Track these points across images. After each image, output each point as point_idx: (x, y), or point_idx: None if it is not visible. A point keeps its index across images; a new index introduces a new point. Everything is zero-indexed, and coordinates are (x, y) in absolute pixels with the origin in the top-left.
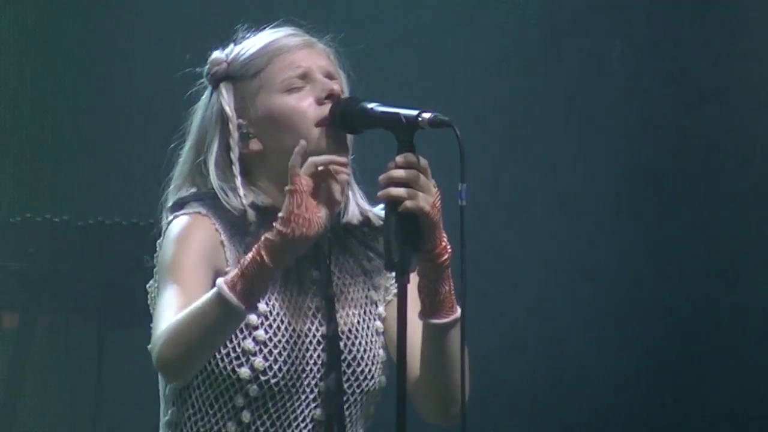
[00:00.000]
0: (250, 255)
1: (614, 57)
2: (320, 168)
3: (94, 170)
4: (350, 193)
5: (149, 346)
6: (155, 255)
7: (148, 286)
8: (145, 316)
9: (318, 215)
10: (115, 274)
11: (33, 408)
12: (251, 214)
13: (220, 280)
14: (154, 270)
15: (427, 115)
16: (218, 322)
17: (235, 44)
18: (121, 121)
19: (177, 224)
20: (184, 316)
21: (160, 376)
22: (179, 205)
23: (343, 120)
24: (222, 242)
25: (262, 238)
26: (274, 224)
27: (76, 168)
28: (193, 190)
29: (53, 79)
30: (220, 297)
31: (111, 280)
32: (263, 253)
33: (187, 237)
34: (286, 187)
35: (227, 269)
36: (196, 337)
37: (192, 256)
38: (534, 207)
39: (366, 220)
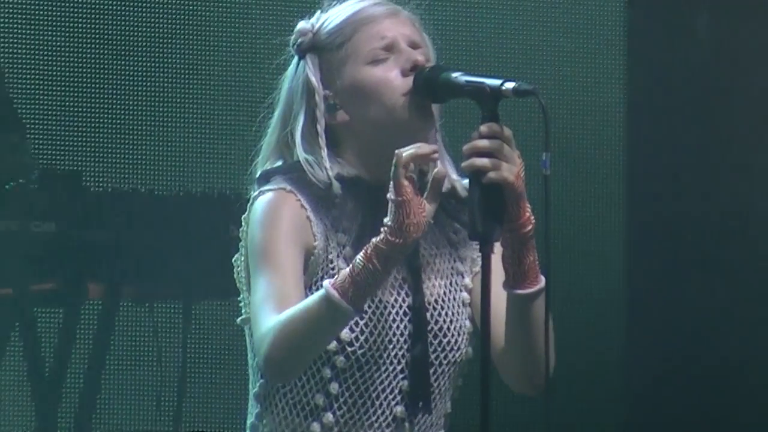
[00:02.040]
0: (360, 261)
1: (699, 27)
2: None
3: (179, 140)
4: (439, 161)
5: (241, 320)
6: (241, 229)
7: (234, 259)
8: (230, 288)
9: (424, 215)
10: (201, 244)
11: (118, 379)
12: (337, 186)
13: (328, 285)
14: (240, 244)
15: (510, 84)
16: (329, 326)
17: (320, 13)
18: (207, 91)
19: (263, 203)
20: (291, 319)
21: (249, 348)
22: (265, 178)
23: (427, 89)
24: (309, 218)
25: (372, 244)
26: (384, 231)
27: (161, 138)
28: (280, 162)
29: (130, 49)
30: (331, 302)
31: (197, 250)
32: (375, 261)
33: (275, 218)
34: (391, 197)
35: (315, 243)
36: (306, 341)
37: (282, 238)
38: (610, 180)
39: (453, 191)
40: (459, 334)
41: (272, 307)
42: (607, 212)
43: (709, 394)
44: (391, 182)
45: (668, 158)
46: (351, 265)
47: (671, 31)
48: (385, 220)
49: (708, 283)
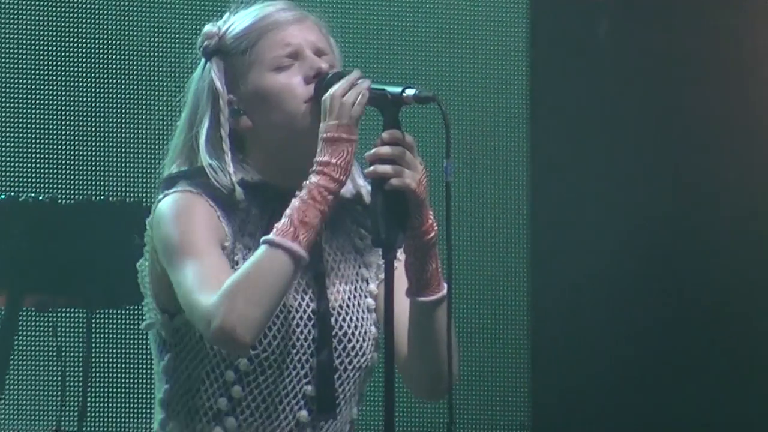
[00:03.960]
0: (302, 205)
1: (600, 33)
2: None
3: (80, 147)
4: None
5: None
6: (145, 233)
7: (138, 264)
8: (134, 295)
9: None
10: (102, 253)
11: (21, 387)
12: (239, 192)
13: (276, 237)
14: (144, 249)
15: (411, 91)
16: (287, 275)
17: (228, 16)
18: (107, 97)
19: (171, 202)
20: (242, 279)
21: (154, 354)
22: (170, 183)
23: None
24: (219, 217)
25: (315, 185)
26: (326, 171)
27: (62, 145)
28: (185, 167)
29: (33, 55)
30: (284, 250)
31: (99, 259)
32: (321, 200)
33: (189, 213)
34: (342, 135)
35: (227, 244)
36: (265, 295)
37: (200, 228)
38: (514, 187)
39: (359, 197)
40: (364, 340)
41: (209, 285)
42: (510, 218)
43: (613, 395)
44: (341, 120)
45: (571, 163)
46: (293, 212)
47: (573, 36)
48: (324, 159)
49: (611, 285)
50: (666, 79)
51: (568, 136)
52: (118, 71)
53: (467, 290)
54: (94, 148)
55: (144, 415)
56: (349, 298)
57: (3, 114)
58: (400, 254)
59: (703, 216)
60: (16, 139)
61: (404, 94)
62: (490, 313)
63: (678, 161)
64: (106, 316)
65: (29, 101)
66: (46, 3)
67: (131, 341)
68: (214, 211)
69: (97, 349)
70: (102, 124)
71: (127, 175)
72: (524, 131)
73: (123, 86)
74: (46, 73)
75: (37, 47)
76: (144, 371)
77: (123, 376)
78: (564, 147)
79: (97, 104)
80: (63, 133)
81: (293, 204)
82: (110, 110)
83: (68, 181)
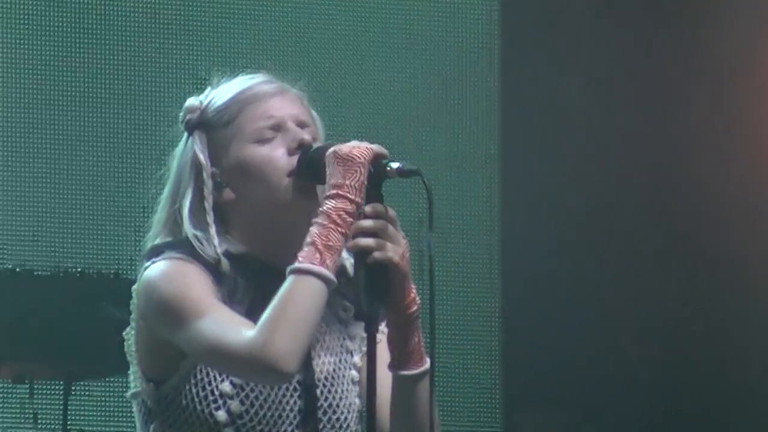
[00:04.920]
0: (323, 230)
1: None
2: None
3: (57, 219)
4: None
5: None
6: (131, 302)
7: (124, 333)
8: (117, 366)
9: None
10: (81, 324)
11: None
12: (225, 263)
13: (304, 264)
14: (131, 317)
15: (394, 165)
16: (321, 301)
17: (210, 90)
18: (88, 168)
19: (162, 268)
20: (278, 310)
21: (139, 424)
22: (156, 253)
23: (311, 170)
24: (212, 281)
25: (334, 209)
26: (341, 194)
27: (38, 217)
28: (169, 239)
29: (17, 123)
30: (314, 275)
31: (77, 330)
32: (341, 223)
33: (183, 275)
34: (358, 154)
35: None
36: (303, 324)
37: (201, 288)
38: (481, 246)
39: (342, 270)
40: (349, 412)
41: (236, 327)
42: (483, 290)
43: None
44: (358, 146)
45: (545, 232)
46: (314, 238)
47: (544, 99)
48: (338, 181)
49: (585, 356)
50: (639, 131)
51: (541, 203)
52: (95, 141)
53: (443, 362)
54: (71, 220)
55: None
56: (334, 370)
57: None
58: (384, 327)
59: (682, 249)
60: None
61: (387, 168)
62: (465, 384)
63: (654, 201)
64: (83, 387)
65: (3, 171)
66: (16, 67)
67: (108, 412)
68: (207, 276)
69: (75, 421)
70: (80, 196)
71: (105, 247)
72: (495, 201)
73: (102, 158)
74: (19, 142)
75: (10, 112)
76: None
77: None
78: (536, 213)
79: (76, 175)
80: (40, 204)
81: (313, 230)
82: (89, 182)
83: (45, 253)
